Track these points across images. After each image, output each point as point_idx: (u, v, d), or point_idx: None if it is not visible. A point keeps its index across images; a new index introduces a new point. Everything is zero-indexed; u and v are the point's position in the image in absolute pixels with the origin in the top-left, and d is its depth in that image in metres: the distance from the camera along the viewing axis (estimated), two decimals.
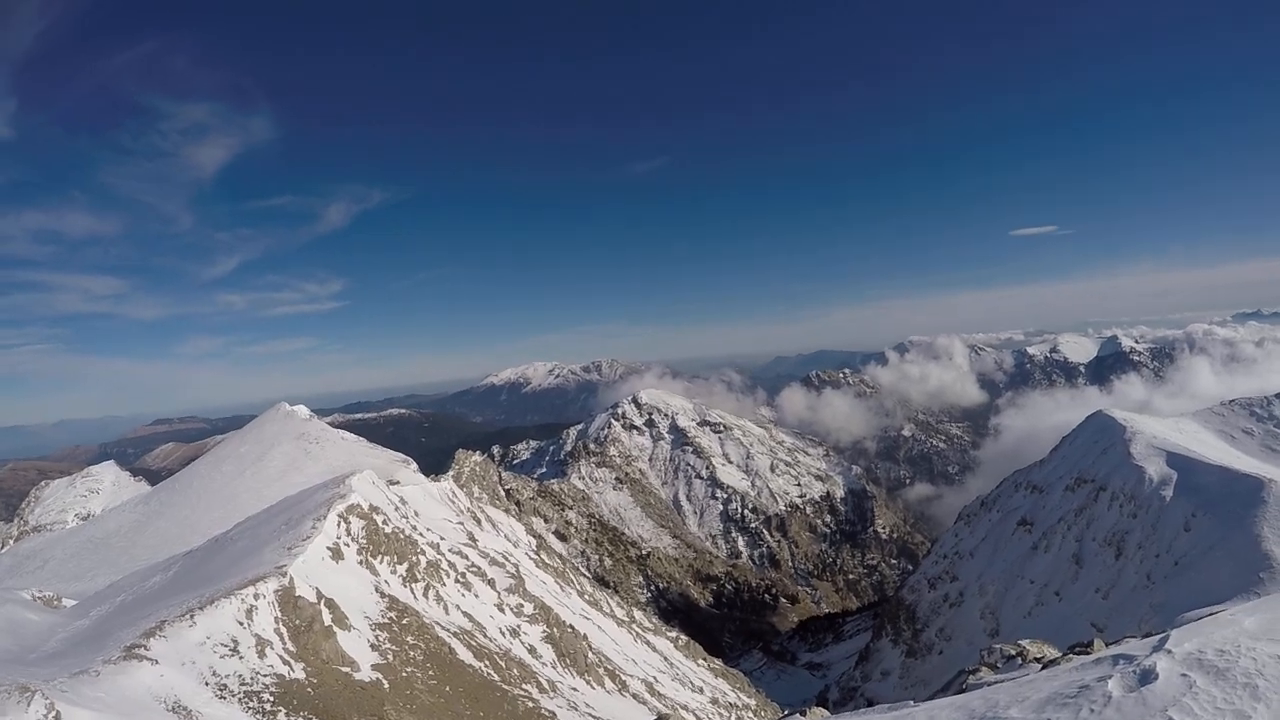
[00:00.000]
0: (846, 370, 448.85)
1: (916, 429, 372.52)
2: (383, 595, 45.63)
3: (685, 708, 65.41)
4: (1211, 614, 15.32)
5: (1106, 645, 17.07)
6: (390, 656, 38.88)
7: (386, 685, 35.70)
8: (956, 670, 28.16)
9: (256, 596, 35.58)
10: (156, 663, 28.03)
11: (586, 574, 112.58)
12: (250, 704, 28.55)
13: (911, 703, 10.66)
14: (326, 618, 38.08)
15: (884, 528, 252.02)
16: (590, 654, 61.83)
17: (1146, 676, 8.02)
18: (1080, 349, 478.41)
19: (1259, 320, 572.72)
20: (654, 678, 69.19)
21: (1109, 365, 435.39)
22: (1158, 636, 9.92)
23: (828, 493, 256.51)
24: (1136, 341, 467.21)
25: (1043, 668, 16.17)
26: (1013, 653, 23.57)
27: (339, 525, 50.02)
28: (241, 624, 33.35)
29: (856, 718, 10.72)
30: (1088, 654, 15.92)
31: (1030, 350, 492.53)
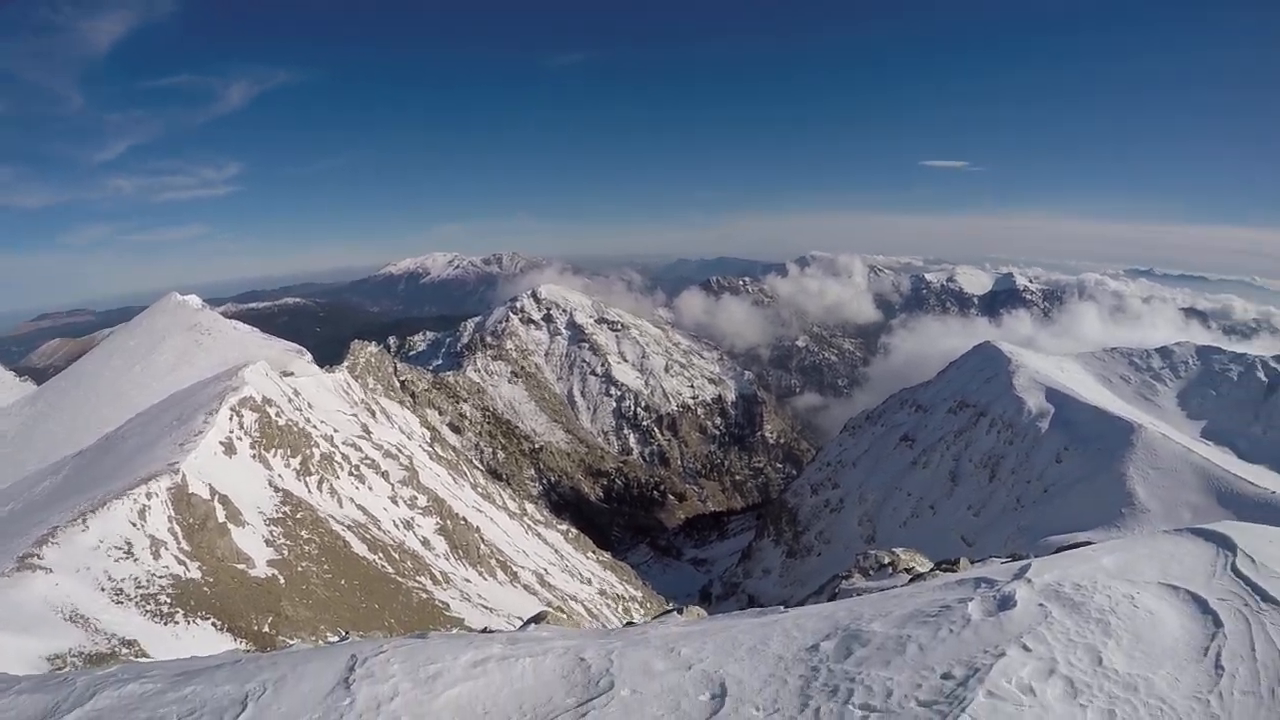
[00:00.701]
0: (747, 278, 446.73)
1: (810, 341, 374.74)
2: (276, 490, 45.24)
3: (574, 599, 66.40)
4: (1074, 542, 16.39)
5: (972, 564, 18.15)
6: (285, 552, 38.77)
7: (282, 581, 35.64)
8: (832, 573, 29.40)
9: (149, 496, 35.13)
10: (50, 571, 27.75)
11: (480, 467, 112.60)
12: (147, 607, 28.53)
13: (781, 609, 11.32)
14: (220, 515, 37.89)
15: (772, 433, 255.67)
16: (482, 546, 62.23)
17: (1005, 603, 8.53)
18: (976, 281, 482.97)
19: (1150, 279, 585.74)
20: (544, 569, 69.98)
21: (1001, 300, 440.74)
22: (1019, 565, 10.61)
23: (719, 396, 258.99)
24: (1031, 281, 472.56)
25: (910, 580, 17.12)
26: (886, 560, 24.63)
27: (231, 419, 49.15)
28: (135, 525, 33.03)
29: (729, 619, 11.24)
30: (954, 572, 16.68)
31: (928, 277, 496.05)
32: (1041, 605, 8.49)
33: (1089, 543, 13.83)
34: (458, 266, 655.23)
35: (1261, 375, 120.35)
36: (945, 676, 7.50)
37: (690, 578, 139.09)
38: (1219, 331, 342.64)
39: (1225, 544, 9.77)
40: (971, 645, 7.96)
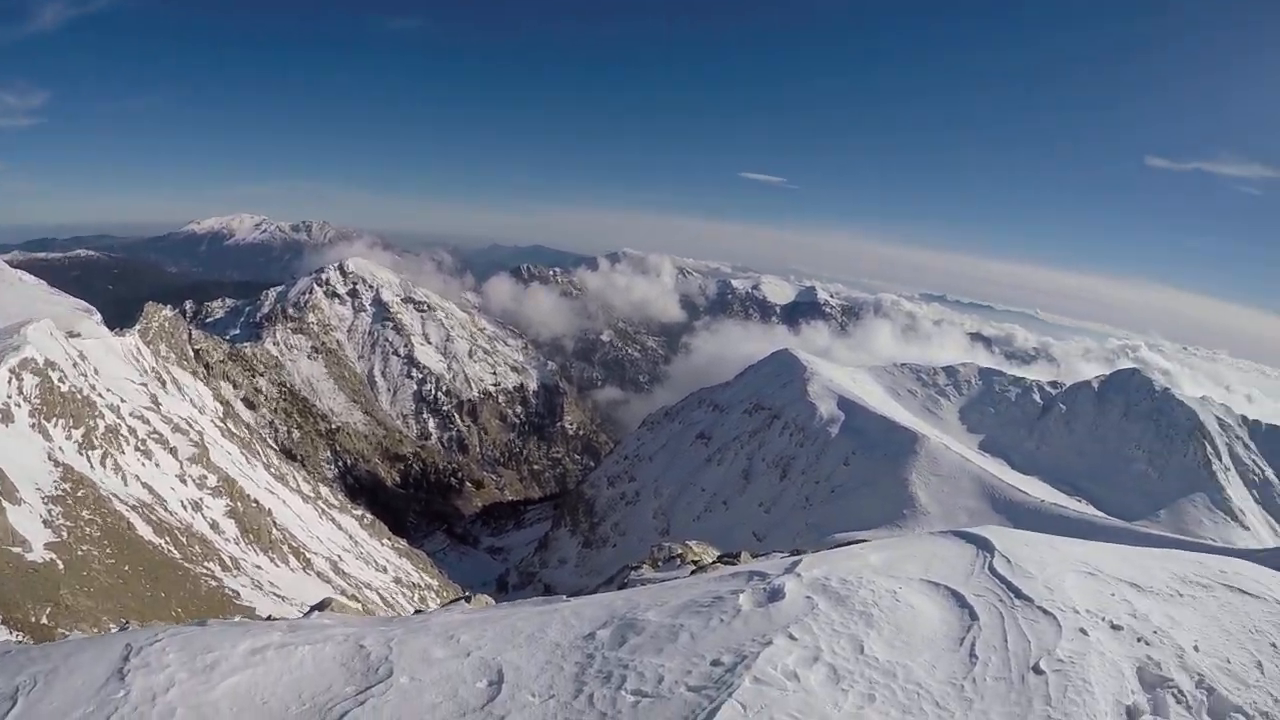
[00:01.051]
0: (557, 269, 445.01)
1: (615, 335, 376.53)
2: (57, 464, 41.90)
3: (369, 586, 64.92)
4: (857, 538, 17.21)
5: (754, 558, 18.79)
6: (65, 534, 35.94)
7: (61, 566, 33.05)
8: (626, 564, 29.89)
9: None
10: None
11: (274, 446, 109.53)
12: None
13: (564, 598, 11.55)
14: None
15: (572, 424, 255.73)
16: (275, 530, 60.10)
17: (775, 595, 8.88)
18: (780, 291, 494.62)
19: (942, 304, 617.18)
20: (339, 556, 68.15)
21: (802, 311, 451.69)
22: (791, 559, 11.08)
23: (521, 384, 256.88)
24: (832, 296, 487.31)
25: (693, 572, 17.65)
26: (676, 553, 25.20)
27: (10, 383, 45.08)
28: None
29: (510, 608, 11.31)
30: (734, 564, 17.24)
31: (734, 283, 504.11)
32: (809, 598, 8.85)
33: (868, 540, 14.53)
34: (265, 231, 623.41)
35: (1037, 397, 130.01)
36: (714, 663, 7.75)
37: (487, 566, 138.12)
38: (1001, 356, 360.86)
39: (985, 546, 10.45)
40: (740, 634, 8.24)
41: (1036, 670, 7.34)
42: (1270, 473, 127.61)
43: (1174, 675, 7.53)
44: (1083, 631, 8.03)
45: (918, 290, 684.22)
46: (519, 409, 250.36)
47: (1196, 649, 8.05)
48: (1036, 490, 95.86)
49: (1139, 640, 8.07)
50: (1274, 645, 8.54)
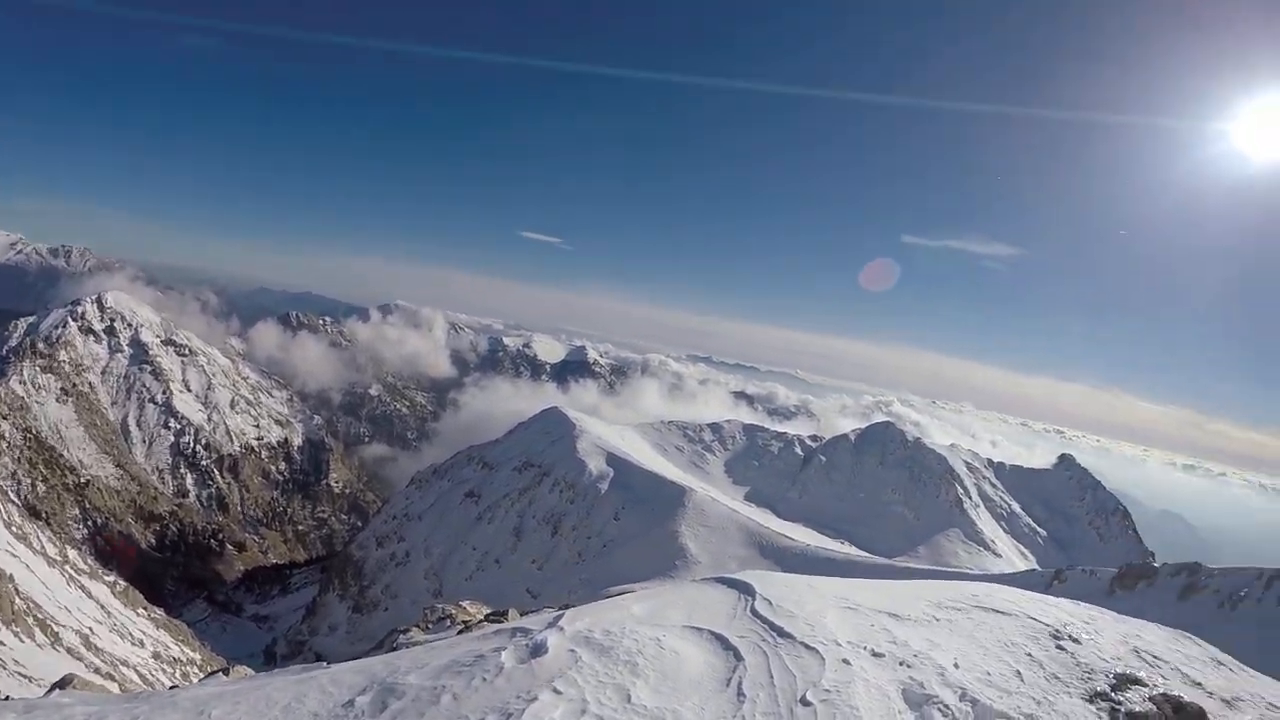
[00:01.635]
0: (328, 318, 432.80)
1: (384, 390, 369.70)
2: None
3: (125, 663, 61.37)
4: (629, 590, 17.18)
5: (522, 615, 18.60)
6: None
7: None
8: (393, 629, 29.18)
9: None
10: None
11: (15, 501, 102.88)
12: None
13: (324, 665, 11.12)
14: None
15: (337, 482, 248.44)
16: (18, 600, 56.34)
17: (538, 650, 8.74)
18: (550, 350, 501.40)
19: (708, 364, 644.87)
20: (90, 628, 64.13)
21: (572, 369, 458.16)
22: (554, 614, 10.98)
23: (286, 439, 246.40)
24: (601, 355, 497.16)
25: (459, 632, 17.33)
26: (447, 613, 24.80)
27: None
28: None
29: (265, 678, 10.85)
30: (502, 622, 17.01)
31: (506, 340, 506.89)
32: (572, 650, 8.77)
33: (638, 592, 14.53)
34: (20, 251, 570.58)
35: (798, 450, 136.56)
36: None
37: (253, 636, 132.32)
38: (764, 413, 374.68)
39: (746, 589, 10.55)
40: (505, 692, 8.09)
41: (804, 702, 7.42)
42: (1016, 506, 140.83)
43: (938, 692, 7.74)
44: (846, 662, 8.19)
45: (685, 351, 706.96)
46: (283, 465, 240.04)
47: (957, 666, 8.35)
48: (802, 535, 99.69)
49: (901, 664, 8.30)
50: (1030, 655, 9.09)
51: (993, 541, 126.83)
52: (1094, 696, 8.58)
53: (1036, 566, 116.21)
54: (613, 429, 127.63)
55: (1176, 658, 11.08)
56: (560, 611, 11.29)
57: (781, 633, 8.99)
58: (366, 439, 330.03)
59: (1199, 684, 10.26)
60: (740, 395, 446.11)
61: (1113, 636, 10.68)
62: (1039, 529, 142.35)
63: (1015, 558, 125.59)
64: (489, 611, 23.00)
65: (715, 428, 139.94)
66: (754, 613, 9.76)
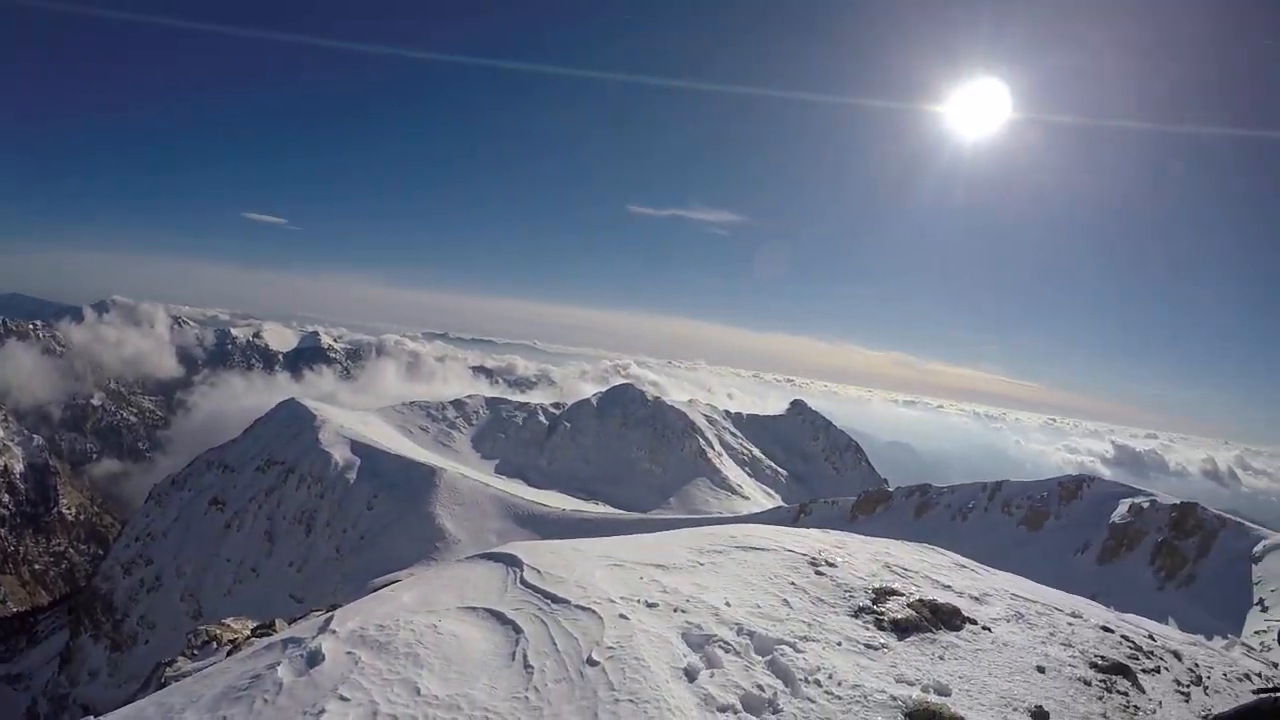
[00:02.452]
0: (39, 322, 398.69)
1: (108, 398, 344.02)
2: None
3: None
4: (395, 579, 16.91)
5: (290, 623, 18.07)
6: None
7: None
8: (159, 661, 27.78)
9: None
10: None
11: None
12: None
13: (92, 718, 10.43)
14: None
15: (70, 508, 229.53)
16: None
17: (314, 659, 8.29)
18: (282, 338, 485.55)
19: (445, 341, 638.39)
20: None
21: (306, 357, 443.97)
22: (323, 617, 10.72)
23: (5, 466, 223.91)
24: (336, 340, 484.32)
25: (228, 654, 16.72)
26: (212, 635, 23.81)
27: None
28: None
29: None
30: (270, 634, 16.46)
31: (234, 331, 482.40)
32: (350, 653, 8.44)
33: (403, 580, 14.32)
34: None
35: (542, 419, 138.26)
36: None
37: (8, 700, 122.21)
38: (505, 385, 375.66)
39: (513, 562, 10.58)
40: (289, 711, 7.66)
41: (590, 662, 7.52)
42: (757, 451, 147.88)
43: (716, 631, 8.05)
44: (623, 617, 8.34)
45: (421, 329, 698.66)
46: (5, 498, 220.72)
47: (729, 604, 8.70)
48: (556, 501, 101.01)
49: (676, 611, 8.54)
50: (793, 584, 9.63)
51: (739, 486, 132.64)
52: (858, 611, 9.19)
53: (782, 503, 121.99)
54: (354, 416, 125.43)
55: (924, 567, 11.96)
56: (329, 614, 10.96)
57: (555, 599, 9.07)
58: (94, 455, 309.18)
59: (949, 586, 11.12)
60: (480, 370, 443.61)
61: (864, 556, 11.41)
62: (780, 469, 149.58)
63: (762, 498, 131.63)
64: (255, 625, 22.26)
65: (458, 404, 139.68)
66: (525, 584, 9.77)
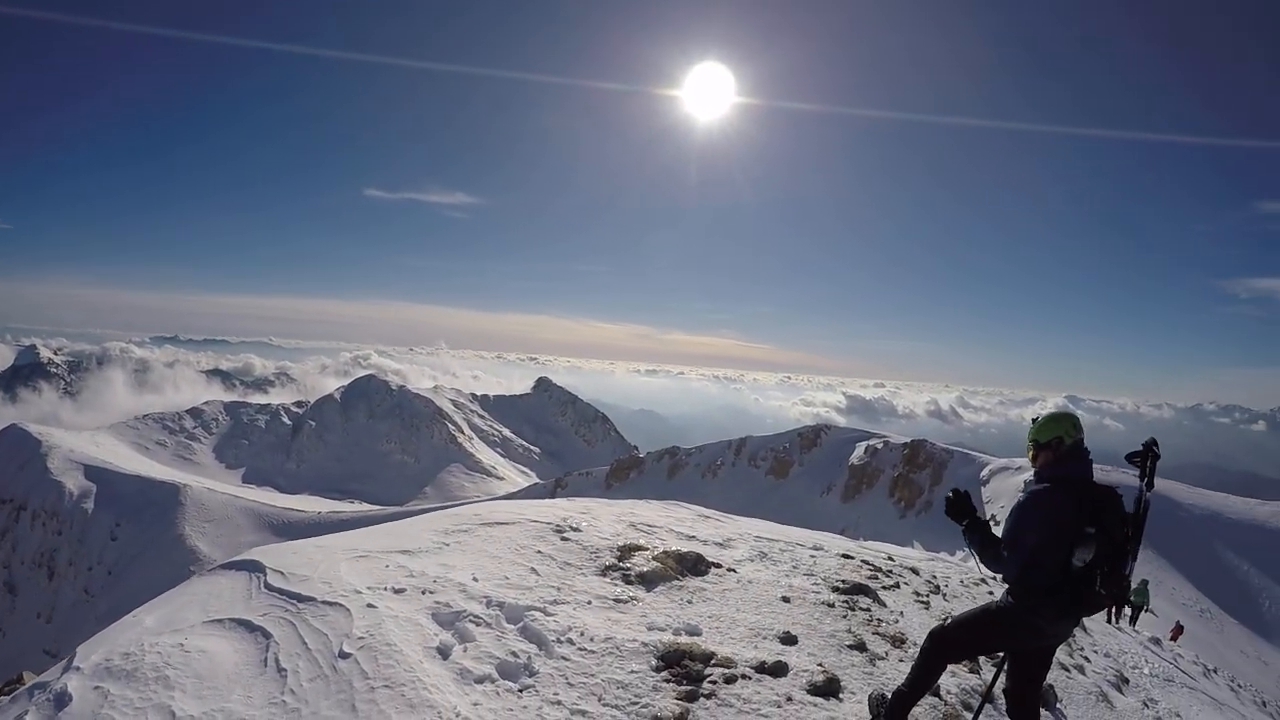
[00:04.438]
0: None
1: None
2: None
3: None
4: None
5: (38, 674, 17.06)
6: None
7: None
8: None
9: None
10: None
11: None
12: None
13: None
14: None
15: None
16: None
17: (61, 700, 7.86)
18: None
19: (175, 344, 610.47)
20: None
21: (24, 375, 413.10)
22: (67, 657, 10.30)
23: None
24: (55, 353, 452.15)
25: None
26: None
27: None
28: None
29: None
30: (17, 688, 15.59)
31: None
32: (98, 687, 7.92)
33: None
34: None
35: (286, 419, 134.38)
36: None
37: None
38: (243, 387, 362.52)
39: (255, 568, 10.35)
40: None
41: (343, 655, 7.49)
42: (507, 431, 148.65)
43: (465, 606, 8.14)
44: (371, 606, 8.33)
45: (148, 334, 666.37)
46: None
47: (476, 580, 8.79)
48: (310, 505, 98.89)
49: (424, 593, 8.58)
50: (540, 552, 9.86)
51: (493, 468, 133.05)
52: (606, 570, 9.46)
53: (538, 480, 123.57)
54: (84, 437, 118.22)
55: (669, 521, 12.38)
56: (71, 652, 10.48)
57: (301, 598, 8.94)
58: None
59: (693, 536, 11.56)
60: (214, 373, 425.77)
61: (609, 518, 11.72)
62: (532, 447, 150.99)
63: (517, 477, 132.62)
64: (2, 685, 20.89)
65: (196, 413, 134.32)
66: (269, 588, 9.57)
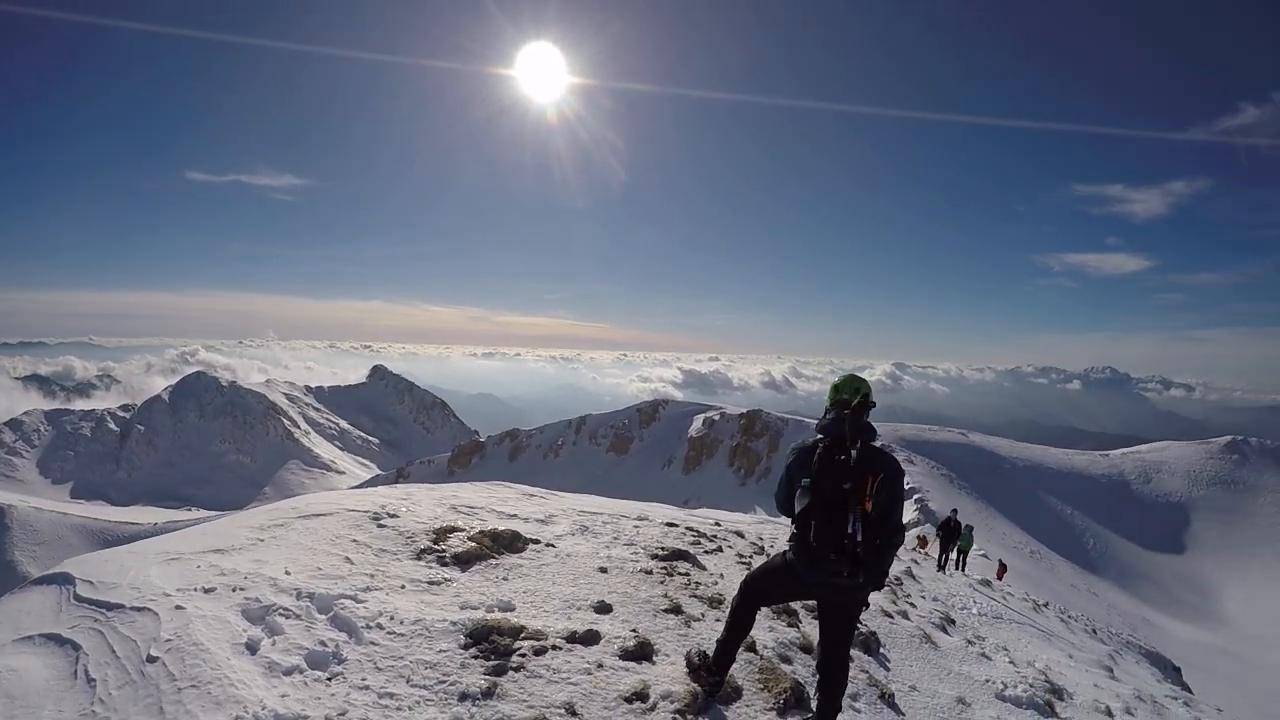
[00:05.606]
0: None
1: None
2: None
3: None
4: None
5: None
6: None
7: None
8: None
9: None
10: None
11: None
12: None
13: None
14: None
15: None
16: None
17: None
18: None
19: None
20: None
21: None
22: None
23: None
24: None
25: None
26: None
27: None
28: None
29: None
30: None
31: None
32: None
33: None
34: None
35: (113, 425, 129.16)
36: None
37: None
38: (64, 393, 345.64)
39: (64, 580, 10.10)
40: None
41: (150, 659, 7.40)
42: (344, 423, 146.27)
43: (275, 600, 8.10)
44: (179, 608, 8.24)
45: None
46: None
47: (288, 573, 8.72)
48: (145, 516, 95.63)
49: (235, 590, 8.50)
50: (355, 541, 9.85)
51: (333, 462, 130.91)
52: (421, 553, 9.48)
53: (379, 471, 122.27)
54: None
55: (491, 501, 12.49)
56: None
57: (110, 606, 8.78)
58: None
59: (514, 515, 11.69)
60: (32, 379, 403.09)
61: (430, 502, 11.76)
62: (371, 438, 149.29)
63: (358, 470, 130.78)
64: None
65: (15, 425, 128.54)
66: (78, 599, 9.39)
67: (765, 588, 7.23)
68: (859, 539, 6.36)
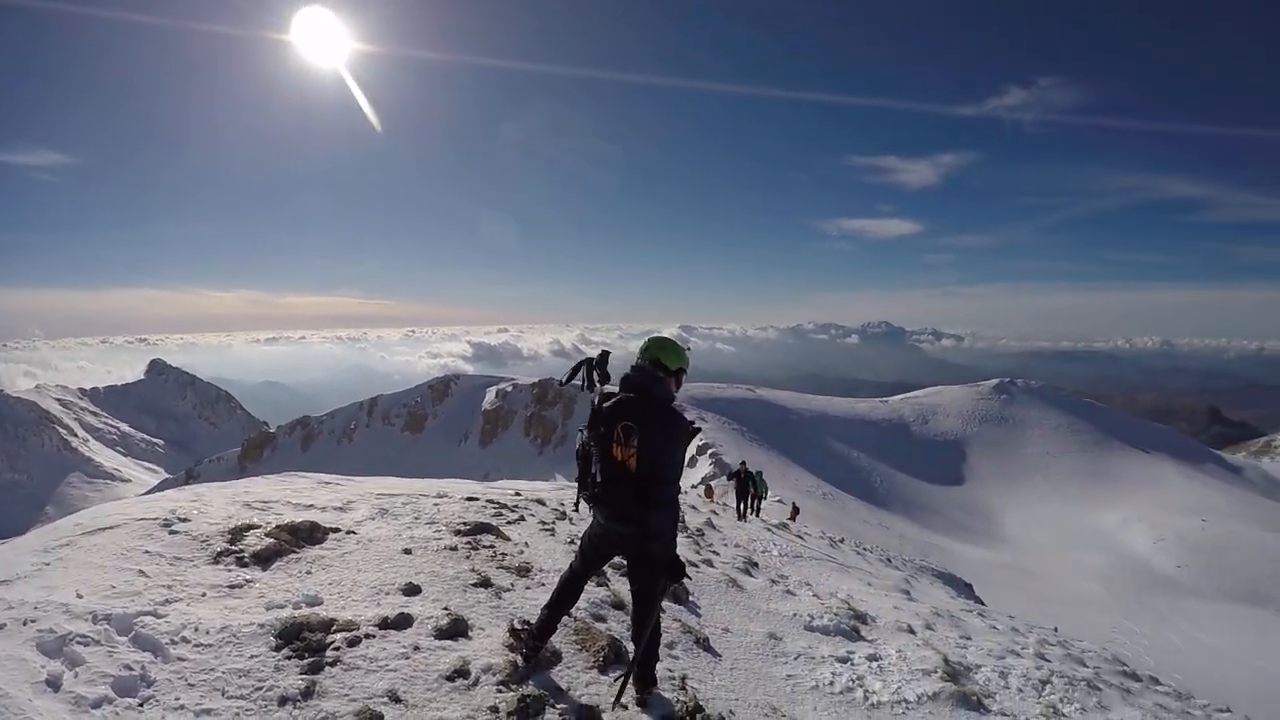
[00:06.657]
0: None
1: None
2: None
3: None
4: None
5: None
6: None
7: None
8: None
9: None
10: None
11: None
12: None
13: None
14: None
15: None
16: None
17: None
18: None
19: None
20: None
21: None
22: None
23: None
24: None
25: None
26: None
27: None
28: None
29: None
30: None
31: None
32: None
33: None
34: None
35: None
36: None
37: None
38: None
39: None
40: None
41: None
42: (125, 425, 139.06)
43: (70, 627, 7.54)
44: None
45: None
46: None
47: (80, 596, 8.21)
48: None
49: (25, 624, 7.77)
50: (147, 552, 9.20)
51: (117, 470, 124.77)
52: (218, 556, 9.09)
53: (167, 475, 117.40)
54: None
55: (286, 494, 12.20)
56: None
57: None
58: None
59: (311, 505, 11.46)
60: None
61: (221, 501, 11.31)
62: (155, 439, 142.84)
63: (145, 475, 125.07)
64: None
65: None
66: None
67: (586, 548, 7.37)
68: (599, 480, 6.70)
